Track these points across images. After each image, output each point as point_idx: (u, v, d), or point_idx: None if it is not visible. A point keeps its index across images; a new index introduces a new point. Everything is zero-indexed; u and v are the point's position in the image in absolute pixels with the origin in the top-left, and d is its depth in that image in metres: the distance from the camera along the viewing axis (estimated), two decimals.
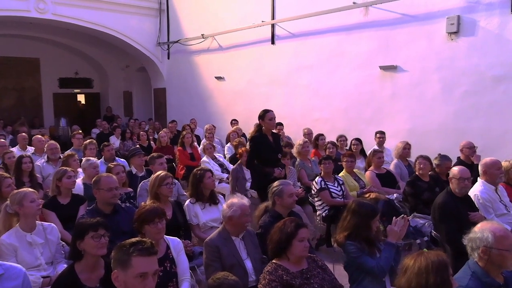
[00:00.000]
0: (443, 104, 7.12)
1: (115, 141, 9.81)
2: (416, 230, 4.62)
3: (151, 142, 9.37)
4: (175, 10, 12.61)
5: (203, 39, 11.55)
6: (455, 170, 4.11)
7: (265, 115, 5.16)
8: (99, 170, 5.19)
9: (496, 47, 6.54)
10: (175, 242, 3.17)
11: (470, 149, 5.86)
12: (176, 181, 5.19)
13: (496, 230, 2.45)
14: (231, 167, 6.75)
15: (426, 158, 5.28)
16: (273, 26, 9.86)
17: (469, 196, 4.18)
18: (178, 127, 10.72)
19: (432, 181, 5.09)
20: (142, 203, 3.93)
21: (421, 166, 5.15)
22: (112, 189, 3.72)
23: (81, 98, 17.35)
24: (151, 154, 5.66)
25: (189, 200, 4.36)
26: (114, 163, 5.19)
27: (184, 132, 8.27)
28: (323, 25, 8.80)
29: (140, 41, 12.75)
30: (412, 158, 6.03)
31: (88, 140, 6.85)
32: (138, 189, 4.88)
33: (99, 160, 6.12)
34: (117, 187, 3.81)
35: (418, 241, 4.54)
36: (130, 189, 4.90)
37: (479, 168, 4.48)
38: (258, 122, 5.27)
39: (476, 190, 4.31)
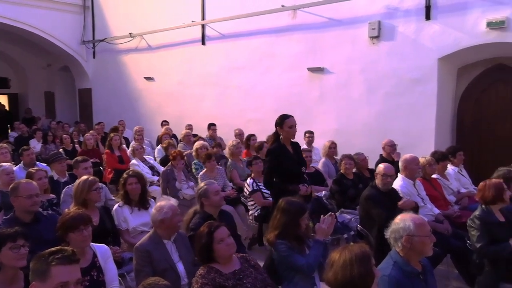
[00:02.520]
0: (367, 105, 7.49)
1: (35, 144, 9.19)
2: (343, 225, 4.82)
3: (76, 145, 8.90)
4: (101, 7, 12.11)
5: (131, 38, 11.20)
6: (381, 167, 4.41)
7: (284, 121, 4.25)
8: (14, 176, 4.82)
9: (413, 51, 7.00)
10: (102, 249, 3.04)
11: (391, 147, 6.24)
12: (103, 185, 4.97)
13: (415, 219, 2.62)
14: (161, 169, 6.60)
15: (350, 157, 5.56)
16: (203, 26, 9.81)
17: (394, 190, 4.46)
18: (105, 129, 10.30)
19: (356, 179, 5.37)
20: (66, 209, 3.72)
21: (346, 165, 5.43)
22: (32, 196, 3.49)
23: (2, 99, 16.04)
24: (75, 158, 5.38)
25: (117, 204, 4.21)
26: (35, 168, 4.86)
27: (111, 134, 7.96)
28: (253, 26, 8.90)
29: (63, 39, 12.07)
30: (339, 157, 6.28)
31: None
32: (62, 195, 4.62)
33: (18, 166, 5.71)
34: (37, 194, 3.58)
35: (345, 235, 4.75)
36: (52, 196, 4.62)
37: (400, 164, 4.80)
38: (275, 130, 4.34)
39: (396, 185, 4.60)
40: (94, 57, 12.52)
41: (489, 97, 7.17)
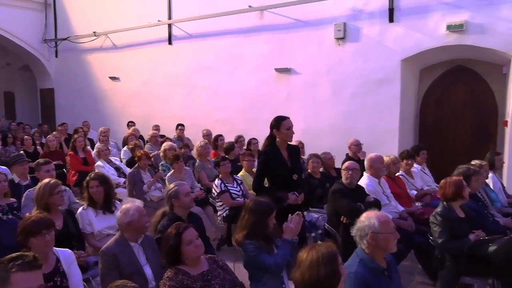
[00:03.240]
0: (333, 105, 7.62)
1: None
2: (311, 224, 4.88)
3: (38, 147, 8.61)
4: (63, 5, 11.78)
5: (95, 37, 10.94)
6: (346, 163, 4.54)
7: (281, 123, 3.95)
8: None
9: (377, 53, 7.17)
10: (65, 254, 2.96)
11: (357, 146, 6.38)
12: (67, 188, 4.84)
13: (380, 217, 2.69)
14: (128, 170, 6.49)
15: (317, 156, 5.64)
16: (170, 26, 9.70)
17: (360, 187, 4.56)
18: (69, 130, 10.01)
19: (323, 178, 5.46)
20: (27, 214, 3.60)
21: (314, 163, 5.51)
22: None
23: None
24: (37, 160, 5.20)
25: (81, 207, 4.11)
26: None
27: (75, 136, 7.75)
28: (220, 27, 8.88)
29: (23, 37, 11.65)
30: (307, 156, 6.35)
31: None
32: (23, 199, 4.45)
33: None
34: None
35: (313, 234, 4.81)
36: (13, 200, 4.45)
37: (365, 163, 4.91)
38: (270, 132, 4.05)
39: (362, 183, 4.70)
40: (56, 56, 12.16)
41: (449, 98, 7.44)
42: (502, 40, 6.18)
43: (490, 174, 5.27)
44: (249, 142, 7.23)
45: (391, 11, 6.99)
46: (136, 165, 6.04)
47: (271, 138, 4.02)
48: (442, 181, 3.96)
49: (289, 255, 3.07)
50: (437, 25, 6.64)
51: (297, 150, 4.19)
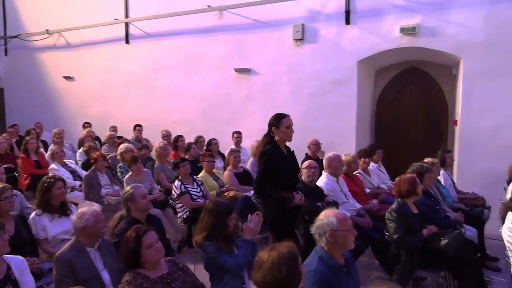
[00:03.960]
0: (292, 105, 7.70)
1: None
2: None
3: None
4: (13, 1, 11.25)
5: (48, 35, 10.54)
6: (309, 162, 4.60)
7: (281, 121, 3.77)
8: None
9: (334, 54, 7.32)
10: (17, 261, 2.84)
11: (316, 145, 6.50)
12: (19, 193, 4.63)
13: (338, 215, 2.74)
14: (84, 173, 6.29)
15: None
16: (126, 24, 9.49)
17: (318, 187, 4.65)
18: (20, 132, 9.58)
19: None
20: None
21: None
22: None
23: None
24: None
25: (34, 212, 3.94)
26: None
27: (27, 138, 7.44)
28: (179, 26, 8.79)
29: None
30: None
31: None
32: None
33: None
34: None
35: None
36: None
37: (324, 162, 5.00)
38: (268, 131, 3.84)
39: (321, 182, 4.79)
40: (6, 55, 11.60)
41: (403, 98, 7.71)
42: (451, 42, 6.46)
43: (442, 171, 5.51)
44: (209, 143, 7.19)
45: (347, 13, 7.15)
46: (93, 167, 5.87)
47: (269, 136, 3.82)
48: (397, 178, 4.10)
49: (250, 255, 3.08)
50: (391, 28, 6.86)
51: (290, 149, 4.00)
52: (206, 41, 8.57)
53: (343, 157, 5.16)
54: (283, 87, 7.83)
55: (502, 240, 3.65)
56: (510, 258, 3.58)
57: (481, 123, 6.32)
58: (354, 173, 5.41)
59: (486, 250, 5.03)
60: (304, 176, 4.58)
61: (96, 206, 3.20)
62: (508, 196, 4.07)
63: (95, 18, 9.71)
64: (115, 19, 9.48)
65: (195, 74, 8.75)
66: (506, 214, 3.62)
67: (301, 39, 7.57)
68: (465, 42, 6.36)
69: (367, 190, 5.55)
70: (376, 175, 6.09)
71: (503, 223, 3.65)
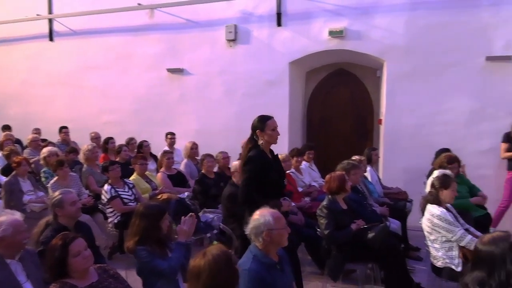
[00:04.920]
0: (226, 106, 7.73)
1: None
2: (206, 225, 4.90)
3: None
4: None
5: None
6: (237, 164, 4.62)
7: (266, 124, 3.52)
8: None
9: (267, 55, 7.44)
10: None
11: None
12: None
13: (272, 213, 2.77)
14: (3, 179, 5.86)
15: (211, 156, 5.68)
16: (50, 21, 8.99)
17: None
18: None
19: (217, 177, 5.50)
20: None
21: (208, 163, 5.54)
22: None
23: None
24: None
25: None
26: None
27: None
28: (108, 24, 8.48)
29: None
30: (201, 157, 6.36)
31: None
32: None
33: None
34: None
35: (208, 235, 4.83)
36: None
37: None
38: (252, 135, 3.60)
39: None
40: None
41: (333, 98, 8.01)
42: (376, 46, 6.82)
43: (368, 168, 5.80)
44: (140, 145, 7.00)
45: (278, 15, 7.29)
46: (14, 172, 5.48)
47: (253, 141, 3.58)
48: (327, 176, 4.25)
49: (184, 258, 3.04)
50: (320, 31, 7.09)
51: (274, 152, 3.77)
52: (137, 40, 8.35)
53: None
54: (216, 87, 7.82)
55: (423, 231, 3.92)
56: (429, 247, 3.85)
57: (403, 122, 6.73)
58: (287, 172, 5.52)
59: (409, 241, 5.37)
60: (236, 178, 4.59)
61: (17, 215, 2.99)
62: (427, 190, 4.36)
63: (15, 13, 9.07)
64: (38, 15, 8.94)
65: (126, 74, 8.49)
66: (425, 206, 3.88)
67: (233, 40, 7.61)
68: (388, 45, 6.73)
69: (300, 189, 5.69)
70: (308, 173, 6.27)
71: (423, 215, 3.92)
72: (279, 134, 3.62)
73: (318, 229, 4.26)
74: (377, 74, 7.57)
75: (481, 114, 6.33)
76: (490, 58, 6.22)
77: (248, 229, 2.78)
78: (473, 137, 6.33)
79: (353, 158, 5.40)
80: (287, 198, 3.65)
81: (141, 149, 6.89)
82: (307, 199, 5.55)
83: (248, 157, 3.51)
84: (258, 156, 3.48)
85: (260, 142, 3.52)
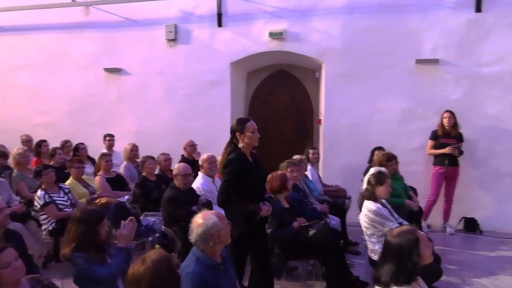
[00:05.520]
0: (167, 106, 7.60)
1: None
2: (148, 229, 4.79)
3: None
4: None
5: None
6: (180, 167, 4.52)
7: (245, 126, 3.43)
8: None
9: (208, 55, 7.40)
10: None
11: (191, 146, 6.50)
12: None
13: (216, 214, 2.76)
14: None
15: (152, 158, 5.57)
16: None
17: (192, 190, 4.64)
18: None
19: (158, 180, 5.40)
20: None
21: (150, 165, 5.41)
22: None
23: None
24: None
25: None
26: None
27: None
28: (40, 20, 8.05)
29: None
30: (141, 159, 6.21)
31: None
32: None
33: None
34: None
35: (150, 238, 4.72)
36: None
37: (199, 163, 5.02)
38: (231, 138, 3.50)
39: (197, 183, 4.82)
40: None
41: (274, 99, 8.14)
42: (314, 48, 7.00)
43: (309, 167, 5.95)
44: (76, 148, 6.71)
45: (219, 16, 7.29)
46: None
47: (232, 144, 3.50)
48: (269, 175, 4.29)
49: (124, 263, 2.95)
50: (260, 32, 7.17)
51: (256, 155, 3.68)
52: (72, 38, 7.99)
53: (218, 158, 5.24)
54: (156, 88, 7.67)
55: (360, 226, 4.08)
56: (367, 242, 4.02)
57: (341, 121, 6.97)
58: None
59: (348, 237, 5.57)
60: (178, 182, 4.54)
61: None
62: (364, 187, 4.54)
63: None
64: None
65: (60, 73, 8.09)
66: (362, 202, 4.05)
67: (174, 40, 7.50)
68: (326, 48, 6.94)
69: None
70: None
71: (360, 211, 4.08)
72: (259, 136, 3.53)
73: None
74: (316, 76, 7.78)
75: (412, 114, 6.70)
76: (419, 61, 6.60)
77: (194, 236, 2.69)
78: (405, 136, 6.68)
79: (294, 157, 5.51)
80: (266, 203, 3.57)
81: (77, 152, 6.60)
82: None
83: (228, 160, 3.43)
84: (238, 158, 3.41)
85: (241, 145, 3.45)
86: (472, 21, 6.42)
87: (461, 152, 6.24)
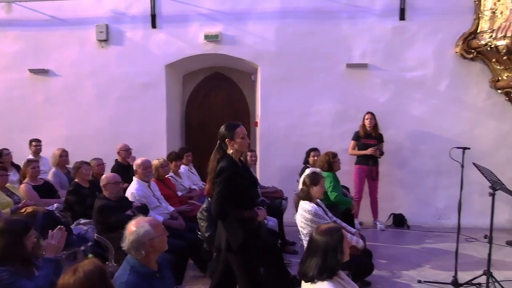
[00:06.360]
0: (99, 109, 7.32)
1: None
2: (79, 237, 4.57)
3: None
4: None
5: None
6: (109, 176, 4.43)
7: (235, 131, 3.30)
8: None
9: (142, 57, 7.24)
10: None
11: (126, 151, 6.30)
12: None
13: (150, 221, 2.68)
14: None
15: (87, 164, 5.34)
16: None
17: (124, 196, 4.54)
18: None
19: (92, 186, 5.17)
20: None
21: (84, 172, 5.18)
22: None
23: None
24: None
25: None
26: None
27: None
28: None
29: None
30: (72, 165, 5.92)
31: None
32: None
33: None
34: None
35: (82, 248, 4.51)
36: None
37: (134, 168, 4.88)
38: (219, 144, 3.38)
39: (132, 188, 4.68)
40: None
41: (210, 101, 8.13)
42: (250, 51, 7.08)
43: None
44: (0, 154, 6.26)
45: (153, 17, 7.14)
46: None
47: (221, 151, 3.36)
48: (208, 179, 4.27)
49: (53, 275, 2.79)
50: (196, 34, 7.13)
51: (243, 161, 3.58)
52: None
53: (153, 162, 5.13)
54: (87, 90, 7.36)
55: (297, 226, 4.18)
56: (303, 241, 4.12)
57: (277, 124, 7.10)
58: (166, 176, 5.43)
59: (286, 237, 5.68)
60: (107, 192, 4.37)
61: None
62: (299, 187, 4.65)
63: None
64: None
65: None
66: (298, 203, 4.15)
67: (105, 40, 7.24)
68: (261, 51, 7.05)
69: (179, 193, 5.65)
70: (187, 177, 6.25)
71: (296, 211, 4.18)
72: (249, 142, 3.44)
73: (199, 232, 4.27)
74: (252, 78, 7.86)
75: (344, 116, 6.98)
76: (349, 65, 6.90)
77: (126, 244, 2.61)
78: (338, 137, 6.94)
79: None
80: (261, 208, 3.47)
81: (1, 158, 6.16)
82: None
83: (220, 168, 3.27)
84: (230, 166, 3.26)
85: (230, 151, 3.32)
86: (396, 28, 6.82)
87: (382, 153, 6.61)
